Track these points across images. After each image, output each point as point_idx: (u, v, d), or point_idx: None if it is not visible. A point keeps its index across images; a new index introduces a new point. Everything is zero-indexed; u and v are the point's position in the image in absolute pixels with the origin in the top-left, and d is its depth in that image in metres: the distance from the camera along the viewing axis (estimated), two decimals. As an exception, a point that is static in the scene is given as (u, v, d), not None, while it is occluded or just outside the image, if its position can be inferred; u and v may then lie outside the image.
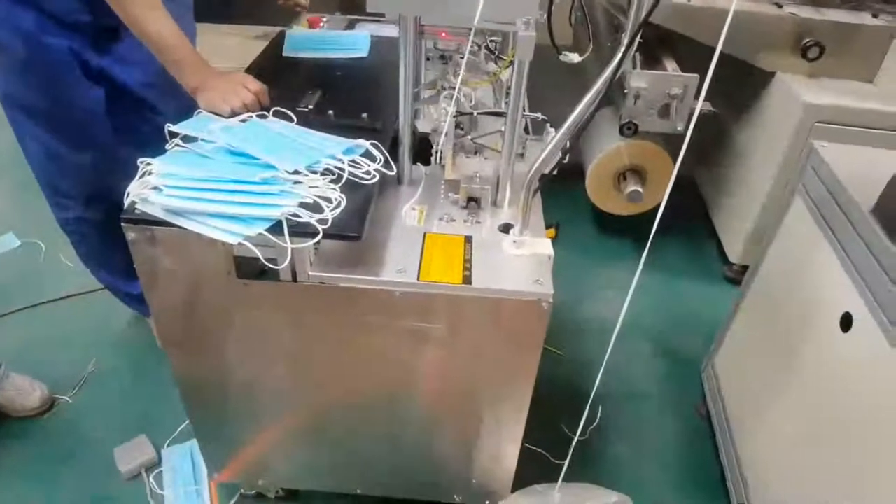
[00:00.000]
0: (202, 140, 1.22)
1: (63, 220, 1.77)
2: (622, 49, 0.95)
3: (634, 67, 2.08)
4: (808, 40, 2.05)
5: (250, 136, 1.21)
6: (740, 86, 2.30)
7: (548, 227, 1.25)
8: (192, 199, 1.04)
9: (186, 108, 1.77)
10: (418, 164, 1.37)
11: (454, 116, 1.21)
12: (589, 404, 1.29)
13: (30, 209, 2.62)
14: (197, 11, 1.81)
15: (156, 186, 1.06)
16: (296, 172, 1.11)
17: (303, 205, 1.05)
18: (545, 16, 1.16)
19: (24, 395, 1.81)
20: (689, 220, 2.68)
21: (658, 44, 2.21)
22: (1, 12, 1.40)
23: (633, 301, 1.06)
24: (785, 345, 1.43)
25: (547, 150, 1.06)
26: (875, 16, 2.08)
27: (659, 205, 0.98)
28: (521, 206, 1.12)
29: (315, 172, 1.14)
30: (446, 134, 1.21)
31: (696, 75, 2.06)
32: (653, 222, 0.99)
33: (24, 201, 2.68)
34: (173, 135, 1.25)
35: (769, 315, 1.54)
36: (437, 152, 1.27)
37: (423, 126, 1.44)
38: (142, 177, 1.12)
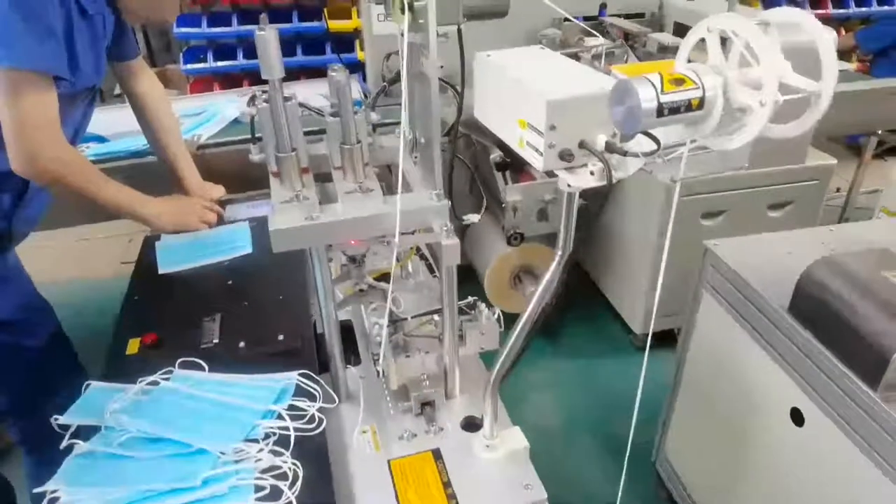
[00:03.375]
0: (106, 429, 1.03)
1: None
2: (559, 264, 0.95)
3: (507, 183, 2.14)
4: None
5: (163, 412, 1.05)
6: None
7: None
8: (125, 534, 0.86)
9: (55, 334, 1.59)
10: (348, 366, 1.27)
11: (388, 326, 1.14)
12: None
13: None
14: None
15: (73, 532, 0.87)
16: (238, 451, 0.97)
17: (259, 499, 0.91)
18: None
19: None
20: (587, 300, 2.77)
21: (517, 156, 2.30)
22: None
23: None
24: (738, 436, 1.47)
25: (505, 352, 1.02)
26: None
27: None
28: (489, 410, 1.06)
29: (254, 440, 1.00)
30: (382, 347, 1.12)
31: (564, 177, 2.15)
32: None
33: None
34: (64, 427, 1.06)
35: (713, 406, 1.58)
36: (374, 362, 1.18)
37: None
38: (45, 510, 0.91)
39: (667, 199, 2.15)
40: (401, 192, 1.00)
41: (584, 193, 2.57)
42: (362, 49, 3.60)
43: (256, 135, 1.11)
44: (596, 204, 2.63)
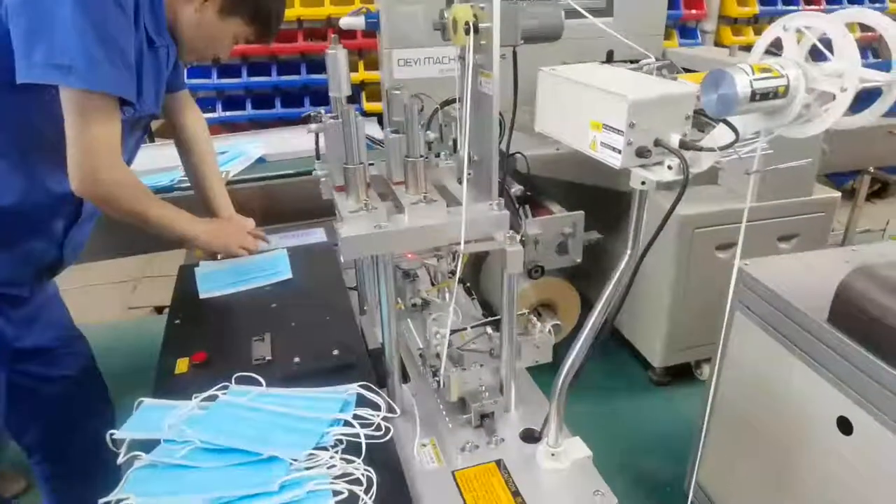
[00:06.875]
0: (165, 442, 1.02)
1: None
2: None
3: (526, 216, 2.19)
4: (658, 161, 2.31)
5: (226, 424, 1.03)
6: (616, 210, 2.51)
7: None
8: (205, 539, 0.84)
9: (87, 365, 1.56)
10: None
11: (447, 336, 1.15)
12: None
13: None
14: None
15: (153, 538, 0.84)
16: (310, 456, 0.96)
17: (337, 503, 0.90)
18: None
19: None
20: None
21: (536, 191, 2.37)
22: None
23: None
24: (781, 452, 1.48)
25: (572, 356, 1.03)
26: (701, 130, 2.43)
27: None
28: (554, 416, 1.07)
29: (324, 448, 0.99)
30: (443, 355, 1.13)
31: (581, 212, 2.21)
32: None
33: None
34: (118, 443, 1.04)
35: (752, 426, 1.59)
36: (434, 374, 1.18)
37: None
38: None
39: (681, 232, 2.21)
40: (461, 203, 1.04)
41: (599, 228, 2.58)
42: (368, 100, 3.73)
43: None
44: (610, 236, 2.63)
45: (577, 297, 2.46)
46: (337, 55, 1.06)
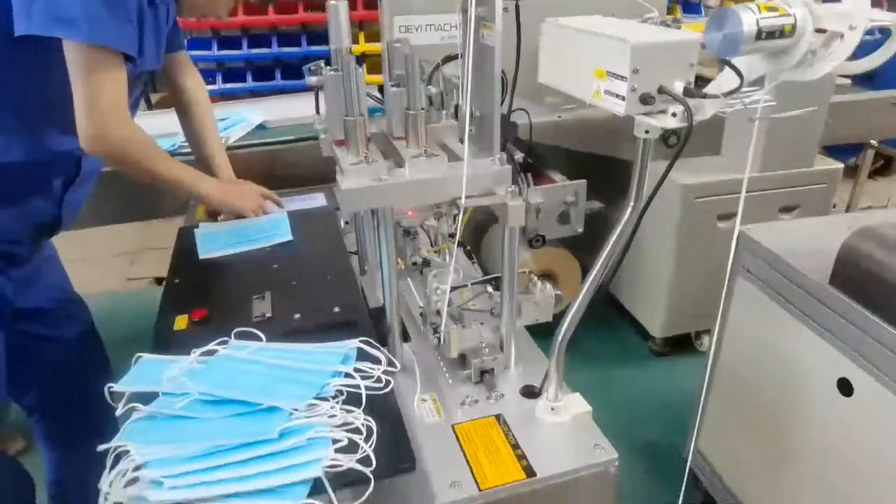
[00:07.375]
0: (164, 395, 1.02)
1: None
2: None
3: (528, 185, 2.18)
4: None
5: (225, 376, 1.03)
6: (617, 179, 2.50)
7: None
8: (205, 485, 0.84)
9: (87, 329, 1.56)
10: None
11: (448, 292, 1.15)
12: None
13: None
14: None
15: (153, 480, 0.84)
16: (311, 406, 0.96)
17: (337, 450, 0.90)
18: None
19: None
20: (599, 306, 2.79)
21: (537, 159, 2.35)
22: None
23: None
24: (782, 416, 1.48)
25: (573, 310, 1.03)
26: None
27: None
28: (555, 369, 1.07)
29: (325, 399, 0.99)
30: (443, 311, 1.13)
31: (583, 181, 2.19)
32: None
33: None
34: (117, 397, 1.04)
35: (752, 391, 1.59)
36: (434, 330, 1.18)
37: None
38: (115, 464, 0.89)
39: (682, 202, 2.20)
40: (462, 159, 1.03)
41: (601, 198, 2.55)
42: (369, 72, 3.70)
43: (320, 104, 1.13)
44: (611, 206, 2.59)
45: (577, 266, 2.45)
46: (338, 6, 1.04)
